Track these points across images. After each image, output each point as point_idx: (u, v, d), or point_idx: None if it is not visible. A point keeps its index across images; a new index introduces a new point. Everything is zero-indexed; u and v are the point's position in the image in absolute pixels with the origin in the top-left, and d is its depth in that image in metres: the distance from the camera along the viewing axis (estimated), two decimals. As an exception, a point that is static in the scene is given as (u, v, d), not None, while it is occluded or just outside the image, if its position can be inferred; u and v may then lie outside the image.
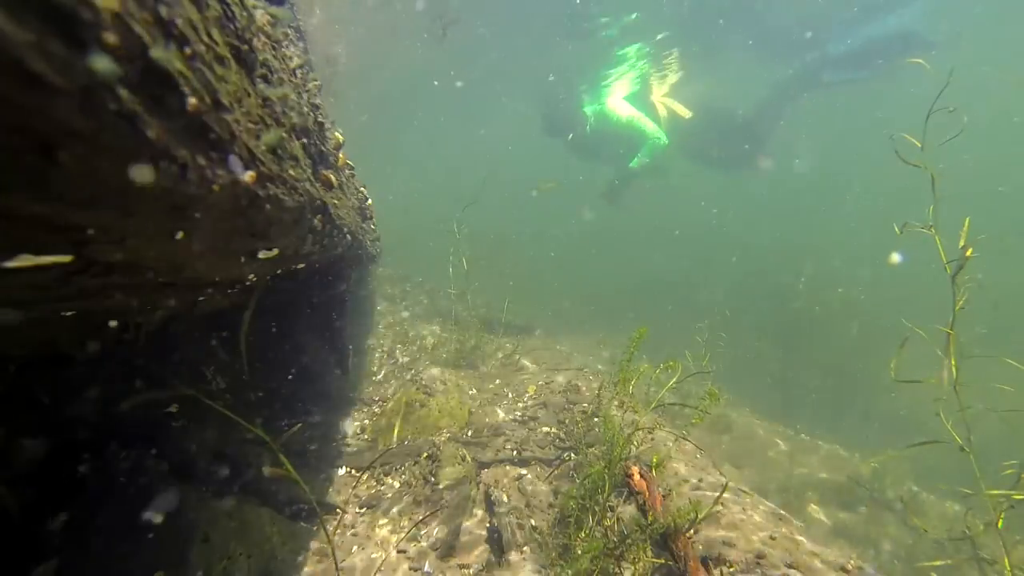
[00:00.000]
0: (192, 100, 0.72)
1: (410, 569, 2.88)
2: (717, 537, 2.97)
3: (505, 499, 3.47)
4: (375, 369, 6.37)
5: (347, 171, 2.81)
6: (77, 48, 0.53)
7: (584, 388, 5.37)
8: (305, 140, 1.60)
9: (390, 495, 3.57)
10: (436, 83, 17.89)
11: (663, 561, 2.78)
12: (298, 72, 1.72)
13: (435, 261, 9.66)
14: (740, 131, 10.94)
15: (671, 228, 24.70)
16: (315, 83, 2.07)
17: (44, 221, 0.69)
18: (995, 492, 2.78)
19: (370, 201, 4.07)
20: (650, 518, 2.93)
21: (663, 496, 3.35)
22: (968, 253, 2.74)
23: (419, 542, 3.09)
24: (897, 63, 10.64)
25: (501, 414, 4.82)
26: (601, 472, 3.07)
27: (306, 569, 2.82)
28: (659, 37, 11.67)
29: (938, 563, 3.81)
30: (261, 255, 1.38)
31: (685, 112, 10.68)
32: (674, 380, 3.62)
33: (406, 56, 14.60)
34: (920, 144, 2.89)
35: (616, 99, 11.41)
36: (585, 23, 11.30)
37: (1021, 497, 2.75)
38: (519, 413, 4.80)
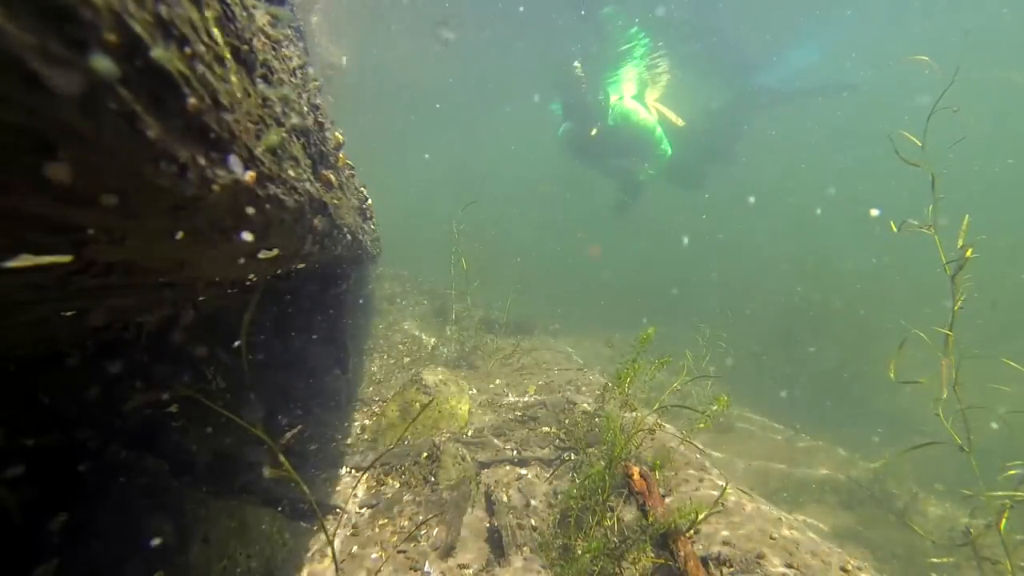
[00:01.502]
0: (192, 100, 0.72)
1: (410, 569, 2.88)
2: (717, 537, 2.97)
3: (505, 499, 3.47)
4: (375, 369, 6.37)
5: (347, 171, 2.81)
6: (77, 48, 0.53)
7: (585, 388, 5.38)
8: (305, 140, 1.60)
9: (390, 495, 3.57)
10: (438, 106, 17.81)
11: (663, 561, 2.78)
12: (298, 72, 1.72)
13: (435, 261, 9.63)
14: (703, 149, 10.95)
15: (671, 231, 24.68)
16: (315, 83, 2.07)
17: (44, 221, 0.69)
18: (995, 493, 2.79)
19: (370, 201, 4.07)
20: (650, 518, 2.93)
21: (663, 496, 3.35)
22: (968, 253, 2.75)
23: (419, 542, 3.09)
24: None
25: (501, 414, 4.82)
26: (601, 472, 3.07)
27: (306, 569, 2.82)
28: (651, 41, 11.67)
29: (938, 562, 3.81)
30: (261, 255, 1.38)
31: (678, 121, 10.51)
32: (678, 382, 3.62)
33: (406, 57, 14.59)
34: (921, 144, 2.90)
35: (630, 99, 11.22)
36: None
37: (1022, 497, 2.76)
38: (519, 413, 4.80)
